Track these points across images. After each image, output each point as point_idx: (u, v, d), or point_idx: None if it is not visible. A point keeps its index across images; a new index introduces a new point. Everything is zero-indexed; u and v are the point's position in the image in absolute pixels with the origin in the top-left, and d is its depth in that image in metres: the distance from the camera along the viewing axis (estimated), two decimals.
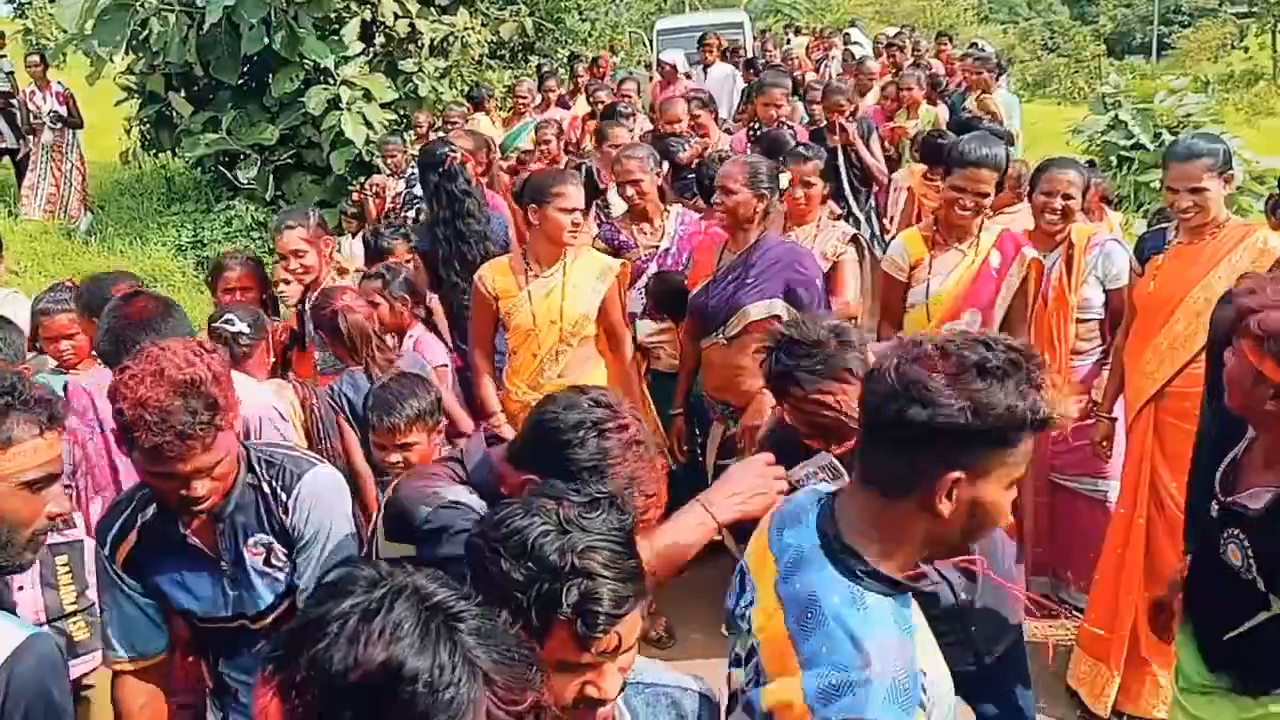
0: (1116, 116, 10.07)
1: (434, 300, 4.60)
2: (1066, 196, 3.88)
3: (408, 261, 4.64)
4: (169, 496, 2.04)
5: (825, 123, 6.84)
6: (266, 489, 2.18)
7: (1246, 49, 27.22)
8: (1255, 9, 26.18)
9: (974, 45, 13.75)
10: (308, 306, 3.89)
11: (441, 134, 8.51)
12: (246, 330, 3.31)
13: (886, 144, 7.26)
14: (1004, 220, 4.31)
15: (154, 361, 1.90)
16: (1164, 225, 3.69)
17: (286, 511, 2.17)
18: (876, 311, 4.23)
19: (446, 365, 4.07)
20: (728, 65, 11.11)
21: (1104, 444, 3.79)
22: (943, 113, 8.03)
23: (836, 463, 2.22)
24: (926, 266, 3.74)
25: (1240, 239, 3.32)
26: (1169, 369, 3.38)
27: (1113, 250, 3.92)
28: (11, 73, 10.92)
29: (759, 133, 6.25)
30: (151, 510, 2.16)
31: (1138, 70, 22.04)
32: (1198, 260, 3.35)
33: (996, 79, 8.69)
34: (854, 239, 4.35)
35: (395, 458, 2.95)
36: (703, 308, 3.81)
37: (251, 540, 2.17)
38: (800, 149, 4.55)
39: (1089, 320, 3.95)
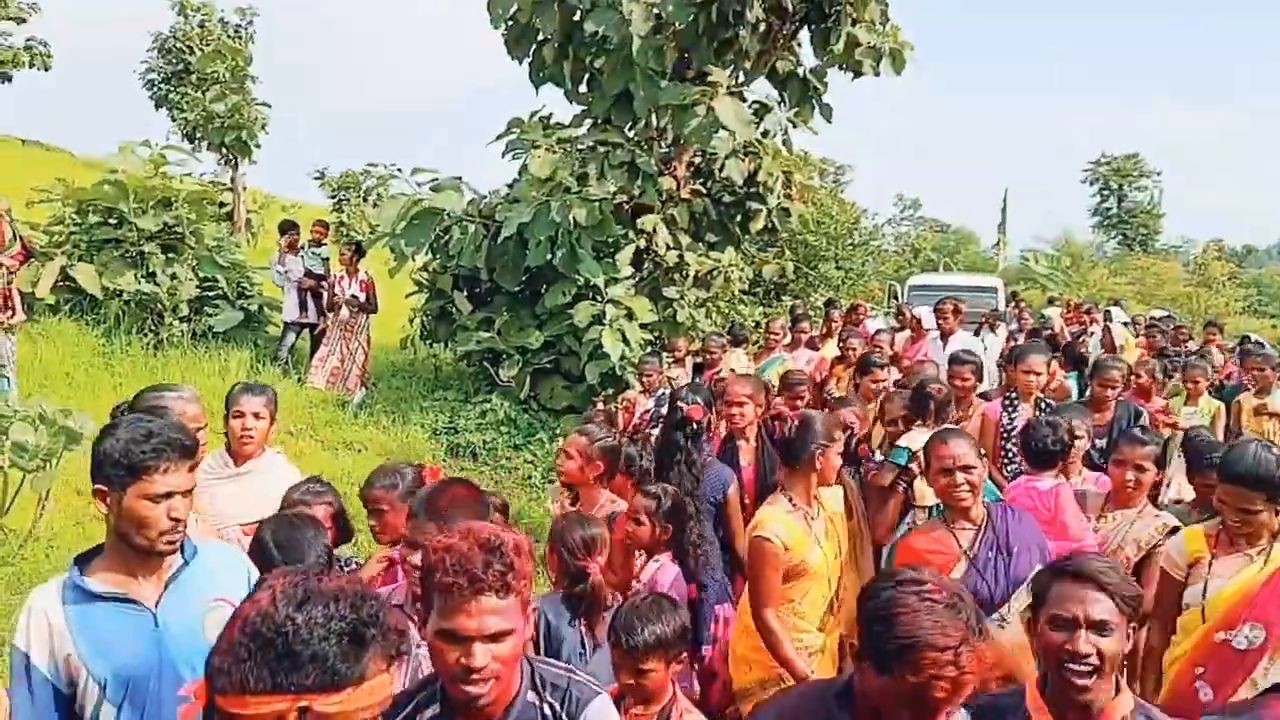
0: None
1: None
2: None
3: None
4: (449, 668, 2.00)
5: (1091, 397, 6.69)
6: (549, 711, 2.14)
7: None
8: None
9: (1246, 339, 13.19)
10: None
11: (699, 362, 8.90)
12: None
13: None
14: None
15: (465, 527, 2.07)
16: None
17: None
18: None
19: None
20: (966, 333, 10.90)
21: None
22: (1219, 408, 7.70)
23: None
24: (1206, 566, 3.50)
25: None
26: None
27: None
28: (328, 259, 12.33)
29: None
30: (431, 712, 2.14)
31: None
32: None
33: (1276, 377, 8.27)
34: (1175, 530, 4.04)
35: (629, 680, 2.92)
36: (981, 596, 3.47)
37: None
38: (1137, 432, 4.44)
39: None
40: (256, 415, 4.20)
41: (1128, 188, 51.15)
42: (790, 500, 3.82)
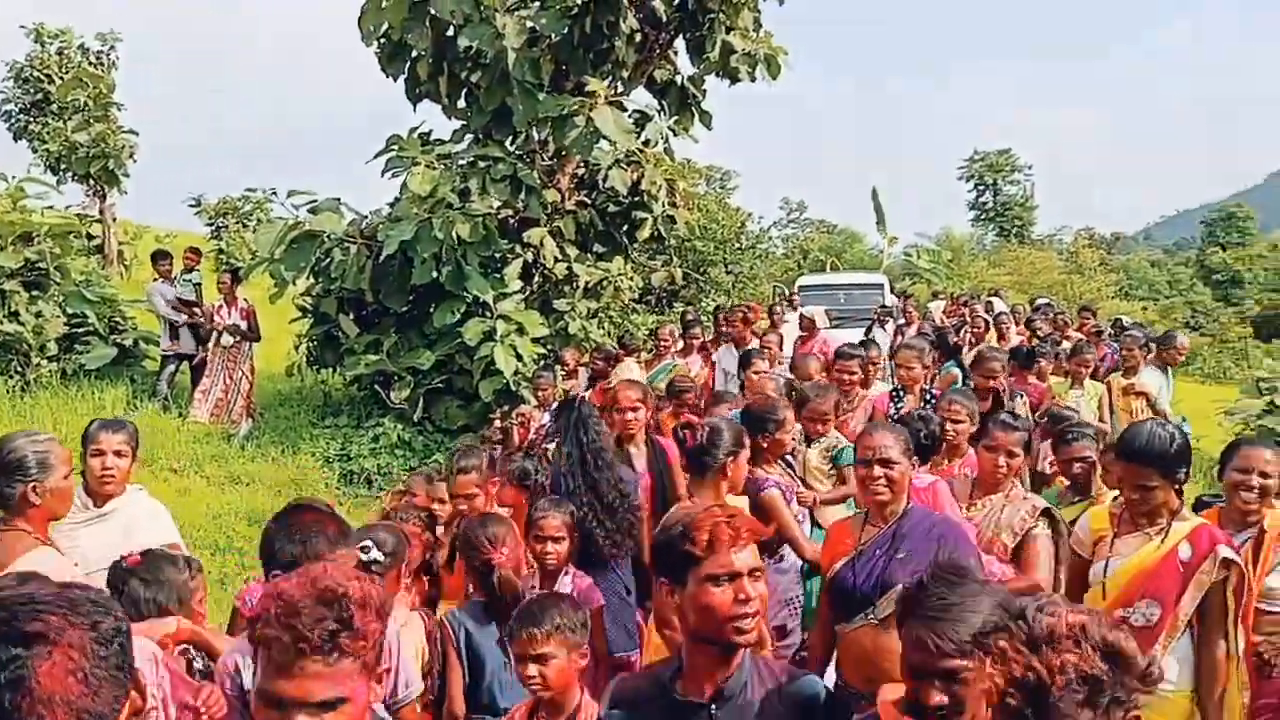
0: (1273, 402, 9.80)
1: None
2: (1264, 475, 3.71)
3: None
4: None
5: (974, 387, 6.84)
6: None
7: None
8: None
9: (1118, 322, 13.74)
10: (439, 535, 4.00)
11: (592, 373, 8.88)
12: (381, 559, 3.32)
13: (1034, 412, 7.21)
14: None
15: (312, 570, 1.81)
16: None
17: None
18: None
19: (604, 607, 4.03)
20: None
21: None
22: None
23: None
24: (1108, 544, 3.58)
25: None
26: None
27: None
28: (199, 285, 11.92)
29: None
30: None
31: None
32: None
33: (1145, 357, 8.61)
34: (1047, 512, 4.07)
35: (532, 670, 2.87)
36: (847, 586, 3.47)
37: None
38: (1007, 418, 4.44)
39: (1274, 614, 3.70)
40: (117, 453, 4.00)
41: (1001, 182, 52.93)
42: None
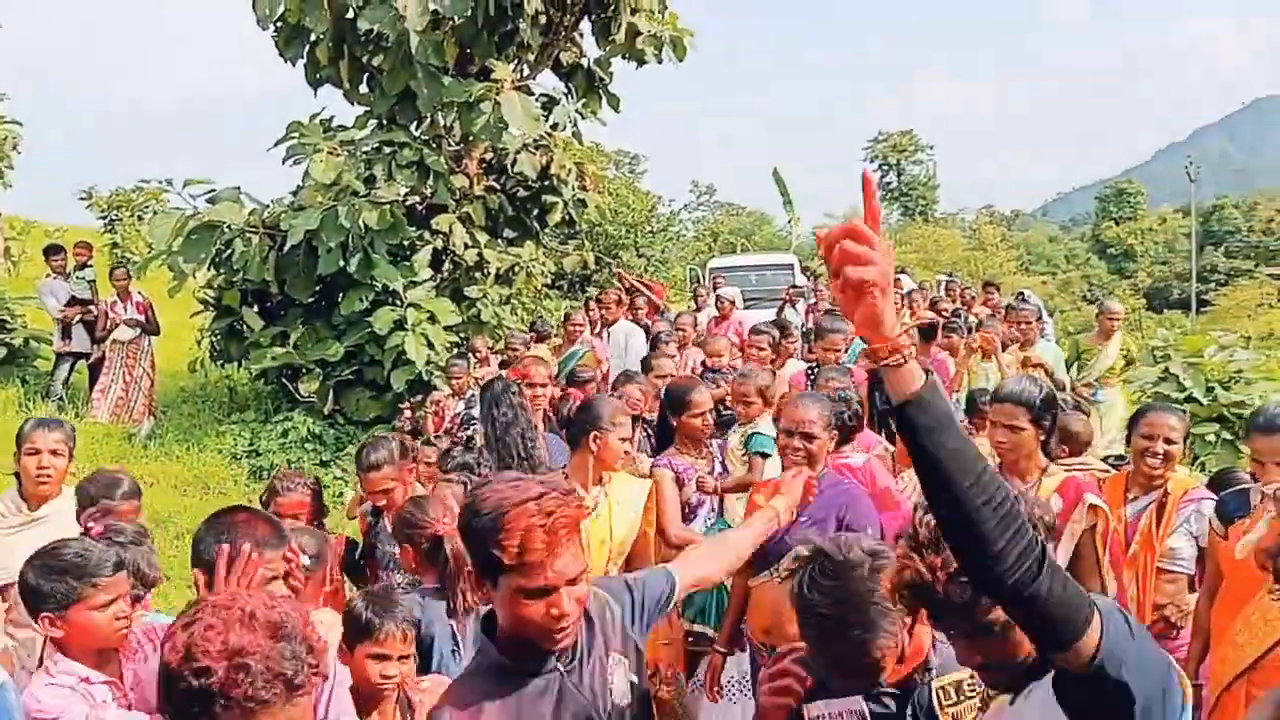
0: (1167, 369, 10.12)
1: None
2: (1168, 441, 3.83)
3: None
4: None
5: None
6: None
7: None
8: None
9: (1020, 295, 14.09)
10: (386, 524, 3.91)
11: (505, 360, 8.81)
12: (308, 564, 3.22)
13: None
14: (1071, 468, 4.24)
15: (233, 608, 1.58)
16: (1246, 486, 3.60)
17: None
18: None
19: None
20: (629, 323, 10.16)
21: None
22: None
23: (865, 709, 2.13)
24: None
25: None
26: (1262, 643, 3.19)
27: (1209, 510, 3.78)
28: (94, 281, 11.47)
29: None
30: None
31: (1179, 324, 22.41)
32: None
33: (1041, 330, 8.86)
34: None
35: (393, 670, 2.80)
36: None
37: None
38: None
39: (1175, 572, 3.82)
40: (53, 452, 3.83)
41: (905, 162, 53.97)
42: (565, 479, 3.77)
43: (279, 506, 3.93)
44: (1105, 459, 5.72)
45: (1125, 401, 9.15)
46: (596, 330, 10.37)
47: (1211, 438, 9.05)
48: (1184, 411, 7.01)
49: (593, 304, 10.96)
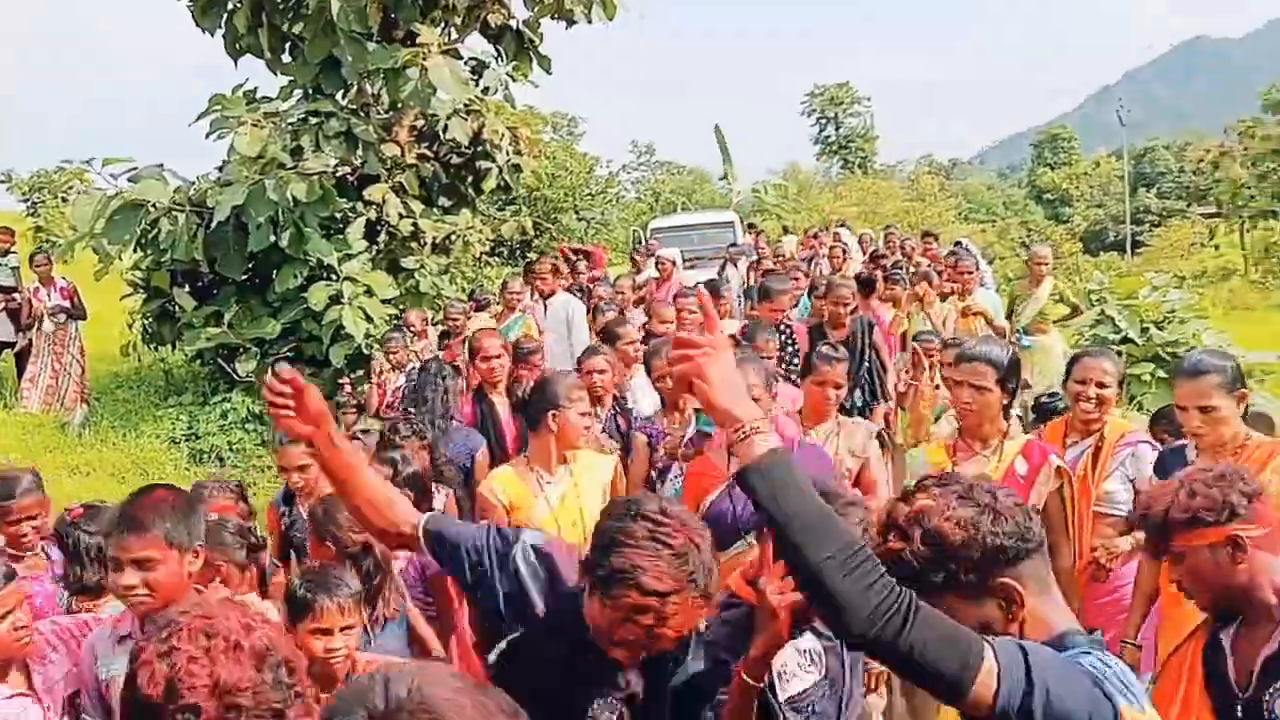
0: (1103, 311, 10.27)
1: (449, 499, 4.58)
2: (1101, 385, 3.83)
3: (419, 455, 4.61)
4: None
5: (827, 317, 6.95)
6: None
7: (1217, 246, 28.24)
8: (1222, 211, 27.35)
9: (959, 244, 14.19)
10: (302, 510, 3.84)
11: (445, 330, 8.67)
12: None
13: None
14: None
15: (215, 635, 1.49)
16: (1184, 443, 3.59)
17: None
18: None
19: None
20: (566, 294, 9.63)
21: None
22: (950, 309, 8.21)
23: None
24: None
25: (1267, 459, 3.17)
26: None
27: (1144, 453, 3.83)
28: (16, 268, 11.12)
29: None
30: None
31: (1114, 267, 22.78)
32: None
33: (980, 279, 8.95)
34: (879, 435, 4.24)
35: (338, 642, 2.78)
36: (725, 516, 3.44)
37: None
38: (828, 350, 4.43)
39: (1112, 516, 3.82)
40: None
41: (842, 115, 54.05)
42: (527, 462, 3.72)
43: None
44: (1038, 399, 5.81)
45: (1064, 345, 9.28)
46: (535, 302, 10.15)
47: (1148, 377, 9.23)
48: (1119, 354, 7.11)
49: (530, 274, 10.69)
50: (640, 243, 17.53)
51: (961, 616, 1.62)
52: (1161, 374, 8.95)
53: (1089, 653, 1.63)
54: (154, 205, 10.06)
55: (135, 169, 10.50)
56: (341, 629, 2.79)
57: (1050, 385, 7.67)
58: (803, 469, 1.67)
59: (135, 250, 10.61)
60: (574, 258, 12.90)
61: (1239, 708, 2.21)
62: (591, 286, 9.66)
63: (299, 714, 1.53)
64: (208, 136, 10.52)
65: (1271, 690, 2.16)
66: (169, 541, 2.44)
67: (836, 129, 54.00)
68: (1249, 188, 24.17)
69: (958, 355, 3.71)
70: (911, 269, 10.35)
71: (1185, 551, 2.24)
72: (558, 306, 8.79)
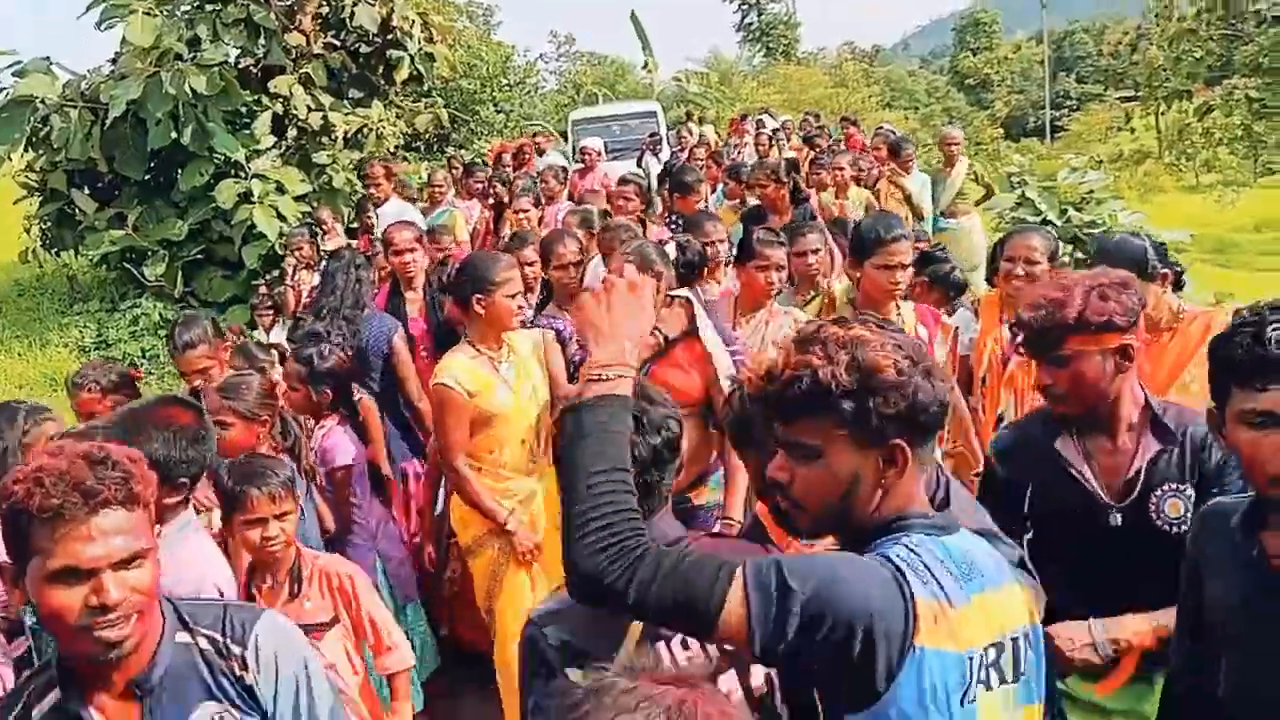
0: (1023, 194, 10.34)
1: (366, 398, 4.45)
2: (1030, 261, 3.78)
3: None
4: (73, 618, 1.56)
5: (757, 203, 6.87)
6: (208, 644, 1.74)
7: (1133, 130, 28.58)
8: (1139, 94, 27.61)
9: (881, 130, 14.14)
10: None
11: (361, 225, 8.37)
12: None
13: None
14: None
15: (59, 445, 1.67)
16: None
17: (244, 666, 1.74)
18: None
19: (351, 466, 3.85)
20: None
21: None
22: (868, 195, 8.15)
23: None
24: None
25: (1205, 329, 3.15)
26: None
27: None
28: None
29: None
30: (50, 699, 1.68)
31: (1034, 151, 22.98)
32: (1162, 361, 3.22)
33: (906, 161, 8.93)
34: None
35: (273, 530, 2.78)
36: None
37: (196, 715, 1.71)
38: (768, 234, 4.25)
39: None
40: None
41: (765, 1, 53.08)
42: (474, 346, 3.61)
43: (80, 404, 3.56)
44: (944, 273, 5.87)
45: (984, 227, 9.36)
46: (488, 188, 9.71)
47: (1066, 258, 9.35)
48: (1049, 232, 7.17)
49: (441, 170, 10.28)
50: (565, 136, 17.11)
51: (835, 460, 1.53)
52: (1080, 255, 9.08)
53: (901, 540, 1.51)
54: (43, 101, 9.53)
55: (20, 63, 9.90)
56: (276, 516, 2.79)
57: (976, 266, 7.75)
58: (626, 426, 1.59)
59: (26, 150, 10.07)
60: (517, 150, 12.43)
61: (1116, 514, 2.27)
62: (490, 186, 9.24)
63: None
64: (97, 26, 9.94)
65: (1159, 492, 2.23)
66: None
67: (759, 16, 53.06)
68: (1164, 70, 24.32)
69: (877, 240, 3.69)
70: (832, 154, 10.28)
71: (1075, 355, 2.21)
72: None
